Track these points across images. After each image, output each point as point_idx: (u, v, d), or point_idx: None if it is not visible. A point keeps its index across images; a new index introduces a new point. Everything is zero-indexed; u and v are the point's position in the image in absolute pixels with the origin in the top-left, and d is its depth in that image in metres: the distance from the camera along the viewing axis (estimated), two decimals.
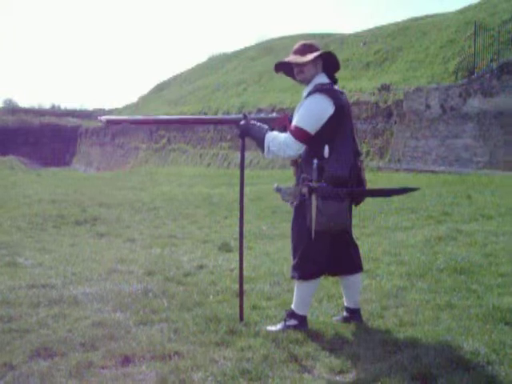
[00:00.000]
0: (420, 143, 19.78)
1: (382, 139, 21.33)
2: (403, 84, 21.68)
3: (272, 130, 4.26)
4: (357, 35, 33.30)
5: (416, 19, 29.96)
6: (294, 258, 4.22)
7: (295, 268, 4.20)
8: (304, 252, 4.14)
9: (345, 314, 4.43)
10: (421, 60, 23.75)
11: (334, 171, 3.97)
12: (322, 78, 4.20)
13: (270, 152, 4.13)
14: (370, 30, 32.86)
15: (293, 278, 4.26)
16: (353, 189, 4.08)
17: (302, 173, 4.10)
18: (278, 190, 4.10)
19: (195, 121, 4.92)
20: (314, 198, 3.91)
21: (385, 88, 22.01)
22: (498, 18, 21.28)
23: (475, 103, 17.99)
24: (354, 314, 4.38)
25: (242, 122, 4.31)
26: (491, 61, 19.28)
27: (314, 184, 3.93)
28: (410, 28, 27.87)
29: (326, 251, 4.17)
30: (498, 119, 17.37)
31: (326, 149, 3.99)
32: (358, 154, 4.21)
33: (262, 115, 4.58)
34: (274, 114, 4.64)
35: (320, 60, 4.23)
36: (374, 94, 22.26)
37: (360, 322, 4.35)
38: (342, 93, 4.23)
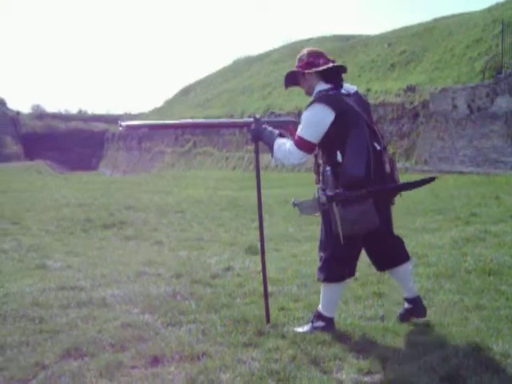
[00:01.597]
0: (447, 144, 19.61)
1: (409, 140, 21.20)
2: (429, 84, 21.53)
3: (281, 134, 4.27)
4: (381, 36, 33.17)
5: (441, 19, 29.72)
6: (321, 259, 4.23)
7: (321, 270, 4.20)
8: (330, 254, 4.14)
9: (406, 305, 4.39)
10: (447, 60, 23.55)
11: (348, 174, 3.94)
12: (322, 86, 4.18)
13: (276, 159, 4.17)
14: (394, 31, 32.70)
15: (319, 279, 4.26)
16: (372, 188, 4.02)
17: (319, 182, 4.13)
18: (296, 205, 4.10)
19: (207, 125, 4.98)
20: (333, 205, 3.92)
21: (410, 89, 21.87)
22: None
23: (503, 103, 17.79)
24: (416, 304, 4.33)
25: (253, 126, 4.33)
26: None
27: (330, 192, 3.93)
28: (436, 28, 27.66)
29: (353, 255, 4.17)
30: None
31: (338, 154, 3.99)
32: (378, 149, 4.13)
33: (273, 118, 4.59)
34: (283, 118, 4.67)
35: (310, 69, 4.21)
36: (399, 96, 22.14)
37: (424, 312, 4.32)
38: (348, 95, 4.18)
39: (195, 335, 4.12)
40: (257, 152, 4.52)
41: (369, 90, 23.92)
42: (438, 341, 3.90)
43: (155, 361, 3.70)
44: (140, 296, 5.16)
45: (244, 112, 31.71)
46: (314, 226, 9.70)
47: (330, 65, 4.20)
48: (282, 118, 4.71)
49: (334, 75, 4.21)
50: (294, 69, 4.30)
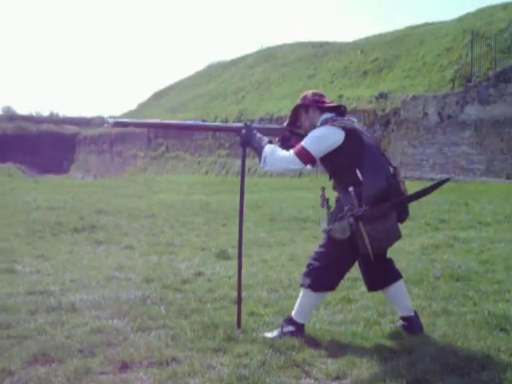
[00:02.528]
0: (417, 151, 19.85)
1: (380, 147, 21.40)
2: (401, 92, 21.78)
3: (270, 141, 4.32)
4: (355, 43, 33.47)
5: (413, 27, 30.09)
6: (311, 266, 4.20)
7: (308, 277, 4.19)
8: (323, 265, 4.13)
9: (402, 322, 4.36)
10: (418, 68, 23.86)
11: (372, 189, 3.96)
12: (327, 115, 4.26)
13: (267, 163, 4.20)
14: (367, 39, 33.03)
15: (302, 285, 4.24)
16: (395, 200, 4.05)
17: (341, 204, 4.10)
18: (328, 231, 4.07)
19: (198, 127, 5.00)
20: (361, 225, 3.92)
21: (382, 96, 22.10)
22: (495, 27, 21.41)
23: (472, 111, 18.08)
24: (411, 321, 4.29)
25: (244, 132, 4.37)
26: (488, 69, 19.38)
27: (358, 211, 3.94)
28: (408, 36, 28.01)
29: (344, 270, 4.22)
30: (495, 127, 17.45)
31: (358, 173, 4.03)
32: (393, 169, 4.19)
33: (262, 125, 4.65)
34: (275, 126, 4.74)
35: (315, 108, 4.31)
36: (371, 102, 22.35)
37: (420, 328, 4.26)
38: (353, 121, 4.26)
39: (164, 340, 4.11)
40: (244, 157, 4.55)
41: (341, 97, 24.11)
42: (406, 346, 3.94)
43: (124, 366, 3.67)
44: (110, 301, 5.13)
45: (217, 117, 31.71)
46: (283, 232, 9.75)
47: (337, 103, 4.36)
48: (272, 126, 4.76)
49: (336, 110, 4.32)
50: (301, 103, 4.36)
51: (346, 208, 4.00)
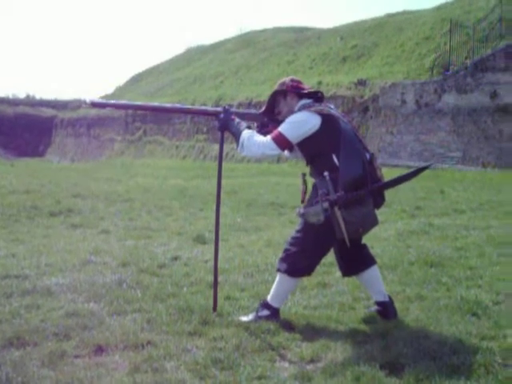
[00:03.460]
0: (395, 138, 19.98)
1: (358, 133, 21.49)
2: (379, 79, 21.86)
3: (249, 126, 4.32)
4: (335, 30, 33.45)
5: (392, 15, 30.17)
6: (288, 251, 4.22)
7: (284, 261, 4.21)
8: (300, 250, 4.15)
9: (376, 307, 4.39)
10: (397, 56, 23.96)
11: (348, 175, 3.98)
12: (302, 102, 4.27)
13: (244, 148, 4.21)
14: (347, 25, 33.02)
15: (279, 270, 4.26)
16: (372, 186, 4.07)
17: (317, 189, 4.11)
18: (302, 214, 4.08)
19: (176, 109, 4.97)
20: (336, 210, 3.94)
21: (361, 83, 22.16)
22: (473, 16, 21.54)
23: (450, 99, 18.22)
24: (386, 306, 4.32)
25: (222, 116, 4.37)
26: (466, 58, 19.51)
27: (332, 196, 3.96)
28: (387, 24, 28.08)
29: (321, 255, 4.25)
30: (471, 116, 17.61)
31: (334, 158, 4.04)
32: (369, 155, 4.22)
33: (241, 110, 4.65)
34: (253, 111, 4.74)
35: (293, 94, 4.31)
36: (350, 89, 22.41)
37: (394, 314, 4.29)
38: (330, 108, 4.26)
39: (140, 324, 4.12)
40: (221, 141, 4.56)
41: (320, 83, 24.12)
42: (380, 330, 4.00)
43: (99, 350, 3.68)
44: (85, 285, 5.11)
45: (195, 101, 31.55)
46: (260, 217, 9.78)
47: (315, 89, 4.37)
48: (250, 111, 4.76)
49: (314, 96, 4.32)
50: (279, 88, 4.35)
51: (320, 192, 4.02)
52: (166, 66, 51.43)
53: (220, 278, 5.15)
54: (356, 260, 4.36)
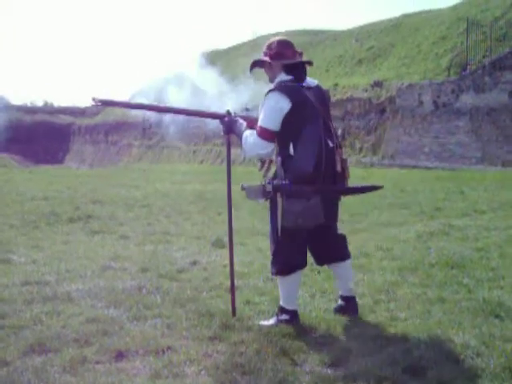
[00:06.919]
0: (413, 139, 19.85)
1: (375, 135, 21.40)
2: (396, 80, 21.74)
3: (251, 127, 4.30)
4: (350, 31, 33.33)
5: (409, 15, 29.99)
6: (271, 253, 4.28)
7: (272, 264, 4.26)
8: (277, 248, 4.19)
9: (340, 302, 4.46)
10: (413, 56, 23.81)
11: (298, 168, 3.97)
12: (283, 77, 4.22)
13: (244, 150, 4.22)
14: (362, 27, 32.89)
15: (272, 274, 4.32)
16: (319, 186, 4.03)
17: (268, 171, 4.19)
18: (243, 188, 4.14)
19: (181, 111, 4.98)
20: (278, 196, 3.96)
21: (378, 84, 22.07)
22: (490, 15, 21.36)
23: (468, 99, 18.08)
24: (349, 303, 4.40)
25: (226, 119, 4.37)
26: (483, 57, 19.35)
27: (277, 182, 3.97)
28: (403, 24, 27.92)
29: (300, 245, 4.20)
30: (490, 115, 17.45)
31: (291, 146, 4.03)
32: (331, 146, 4.14)
33: (245, 114, 4.64)
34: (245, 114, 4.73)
35: (277, 63, 4.24)
36: (366, 91, 22.32)
37: (355, 311, 4.37)
38: (309, 88, 4.20)
39: (160, 329, 4.11)
40: (228, 145, 4.55)
41: (336, 85, 24.06)
42: (401, 333, 3.96)
43: (120, 355, 3.68)
44: (105, 290, 5.13)
45: (210, 106, 31.55)
46: None
47: (296, 60, 4.24)
48: (248, 115, 4.75)
49: (298, 68, 4.25)
50: (262, 58, 4.33)
51: (268, 174, 4.11)
52: (181, 70, 51.54)
53: (239, 283, 5.14)
54: (327, 250, 4.35)
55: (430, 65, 21.99)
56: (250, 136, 4.18)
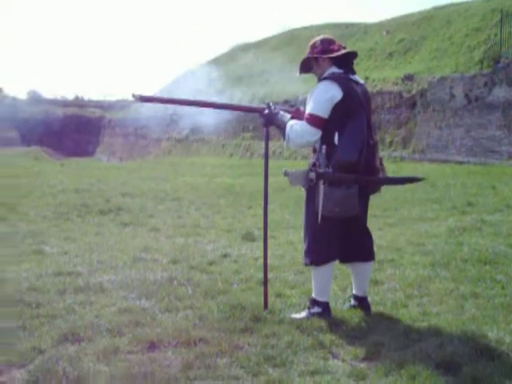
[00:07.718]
0: (444, 133, 19.60)
1: (406, 129, 21.18)
2: (427, 73, 21.47)
3: (293, 117, 4.32)
4: (380, 24, 33.02)
5: (440, 7, 29.57)
6: (304, 243, 4.29)
7: (306, 254, 4.26)
8: (313, 237, 4.20)
9: (352, 302, 4.45)
10: (445, 49, 23.48)
11: (342, 157, 3.99)
12: (333, 69, 4.24)
13: (290, 140, 4.20)
14: (393, 19, 32.53)
15: (305, 264, 4.32)
16: (360, 176, 4.06)
17: (313, 158, 4.17)
18: (286, 174, 4.14)
19: (222, 106, 4.99)
20: (320, 183, 3.96)
21: (408, 78, 21.82)
22: None
23: (500, 93, 17.77)
24: (361, 302, 4.40)
25: (266, 112, 4.37)
26: None
27: (320, 170, 3.99)
28: (435, 16, 27.55)
29: (335, 236, 4.20)
30: None
31: (336, 135, 4.04)
32: (372, 143, 4.19)
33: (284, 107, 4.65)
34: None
35: (324, 58, 4.27)
36: (397, 84, 22.09)
37: (368, 309, 4.35)
38: (357, 83, 4.25)
39: (192, 321, 4.14)
40: (266, 137, 4.55)
41: (367, 78, 23.83)
42: (434, 328, 3.93)
43: (152, 346, 3.72)
44: (137, 282, 5.17)
45: (241, 99, 31.57)
46: None
47: (344, 51, 4.29)
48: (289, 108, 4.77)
49: (346, 61, 4.29)
50: (308, 55, 4.35)
51: (310, 162, 4.11)
52: (212, 63, 51.67)
53: (270, 275, 5.14)
54: (355, 247, 4.33)
55: (462, 58, 21.66)
56: (295, 125, 4.19)
